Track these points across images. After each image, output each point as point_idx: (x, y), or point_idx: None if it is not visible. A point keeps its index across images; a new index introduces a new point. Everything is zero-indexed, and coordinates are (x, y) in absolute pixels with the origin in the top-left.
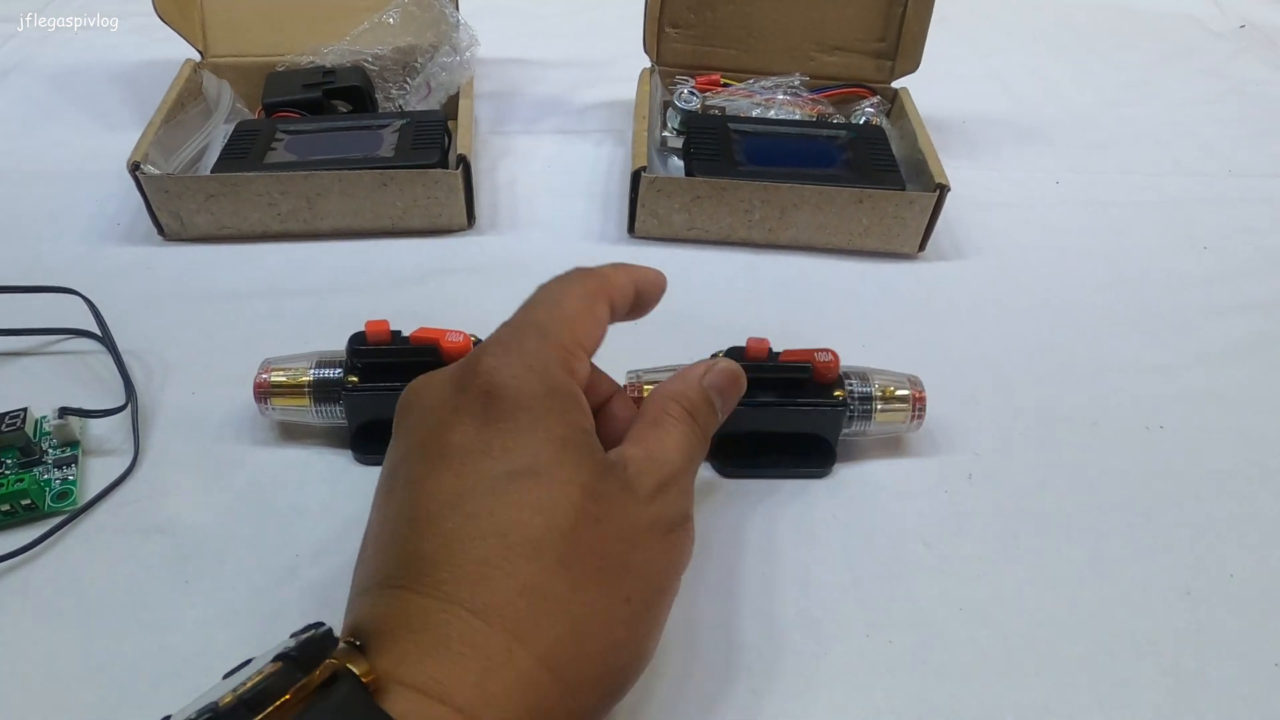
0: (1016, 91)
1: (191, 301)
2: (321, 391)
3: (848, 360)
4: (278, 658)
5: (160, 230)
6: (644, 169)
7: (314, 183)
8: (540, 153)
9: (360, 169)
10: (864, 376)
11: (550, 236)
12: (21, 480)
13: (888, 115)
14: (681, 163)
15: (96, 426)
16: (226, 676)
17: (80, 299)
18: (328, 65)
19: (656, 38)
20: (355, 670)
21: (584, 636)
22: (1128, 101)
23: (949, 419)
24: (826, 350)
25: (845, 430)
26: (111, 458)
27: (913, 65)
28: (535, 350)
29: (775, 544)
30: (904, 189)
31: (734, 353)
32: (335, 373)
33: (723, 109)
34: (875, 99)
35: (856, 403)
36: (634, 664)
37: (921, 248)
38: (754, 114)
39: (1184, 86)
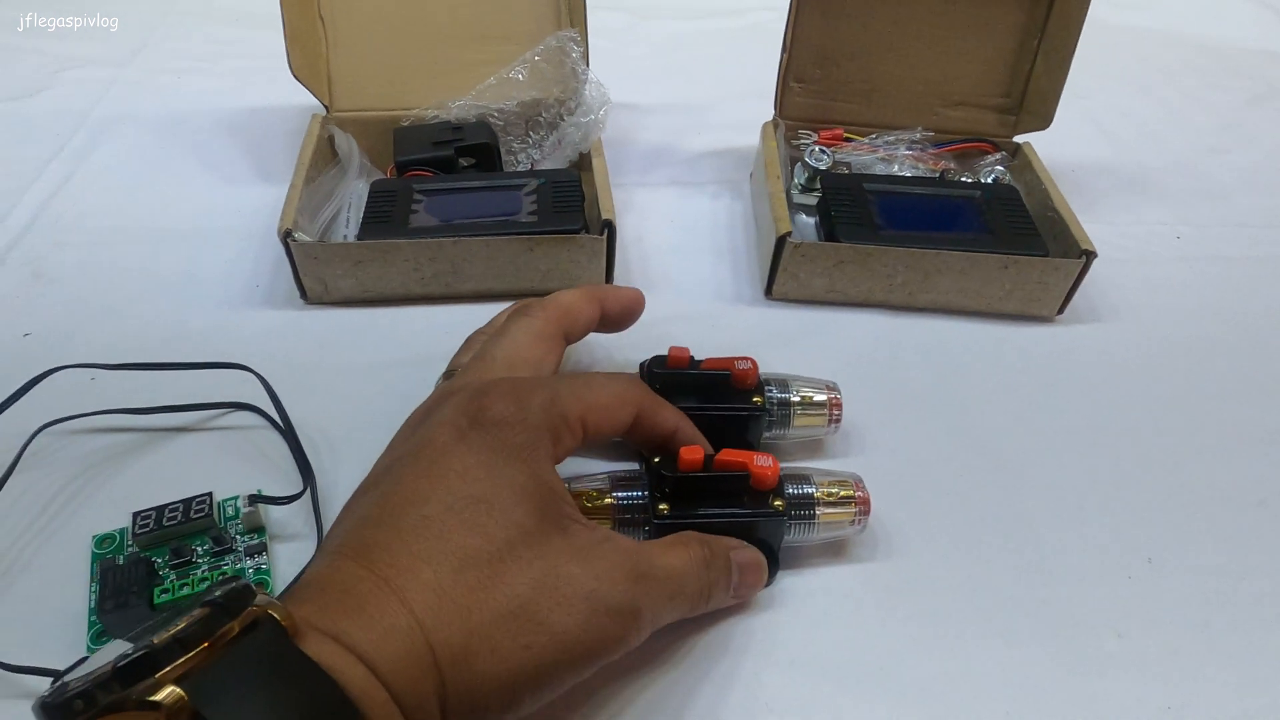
0: (1113, 135)
1: (344, 371)
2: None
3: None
4: (205, 604)
5: (303, 294)
6: (789, 234)
7: (461, 248)
8: (659, 207)
9: (506, 235)
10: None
11: (686, 298)
12: (222, 571)
13: (1007, 169)
14: (810, 220)
15: (276, 510)
16: (135, 634)
17: (252, 374)
18: (453, 120)
19: (781, 92)
20: (276, 616)
21: (470, 653)
22: (1226, 147)
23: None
24: (746, 358)
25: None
26: (295, 543)
27: (1041, 123)
28: (539, 411)
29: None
30: (1047, 254)
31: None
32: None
33: (848, 164)
34: (1000, 154)
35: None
36: (510, 706)
37: (1060, 311)
38: (877, 169)
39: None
